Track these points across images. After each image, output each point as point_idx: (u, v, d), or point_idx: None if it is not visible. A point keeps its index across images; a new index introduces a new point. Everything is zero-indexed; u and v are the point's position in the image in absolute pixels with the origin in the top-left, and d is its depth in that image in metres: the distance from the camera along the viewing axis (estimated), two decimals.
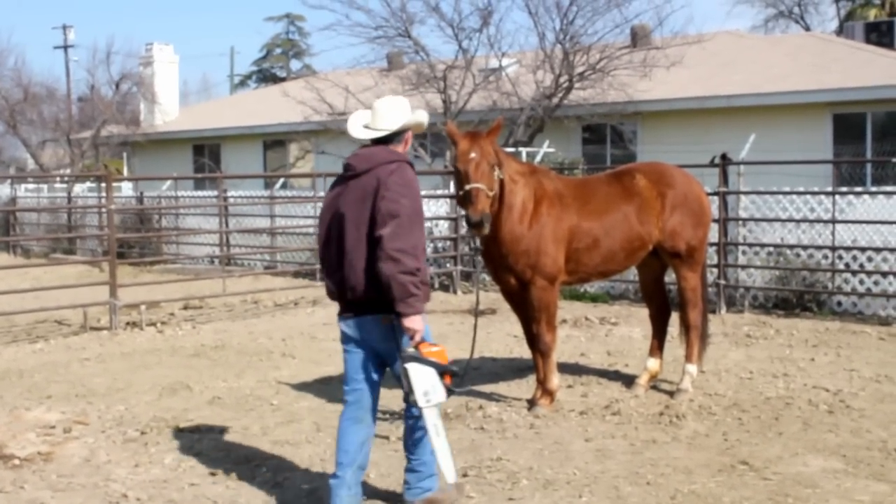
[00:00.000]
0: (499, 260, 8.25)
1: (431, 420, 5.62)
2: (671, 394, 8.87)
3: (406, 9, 21.51)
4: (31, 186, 32.26)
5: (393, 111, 5.88)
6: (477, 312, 7.59)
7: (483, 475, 6.65)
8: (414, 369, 5.52)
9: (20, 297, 15.10)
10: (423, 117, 6.04)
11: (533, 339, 8.49)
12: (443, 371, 5.58)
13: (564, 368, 9.91)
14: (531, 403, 8.44)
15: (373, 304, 5.62)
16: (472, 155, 7.51)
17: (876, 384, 9.36)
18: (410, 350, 5.55)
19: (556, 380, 8.44)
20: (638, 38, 23.08)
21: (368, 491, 6.32)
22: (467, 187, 7.50)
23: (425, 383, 5.52)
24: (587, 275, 8.80)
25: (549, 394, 8.40)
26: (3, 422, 8.32)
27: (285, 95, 23.96)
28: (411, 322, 5.47)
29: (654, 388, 9.16)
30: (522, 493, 6.29)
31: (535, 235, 8.12)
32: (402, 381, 5.60)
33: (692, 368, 9.07)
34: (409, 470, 5.95)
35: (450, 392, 5.67)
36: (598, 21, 21.56)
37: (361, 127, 5.95)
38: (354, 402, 5.88)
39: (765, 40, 28.36)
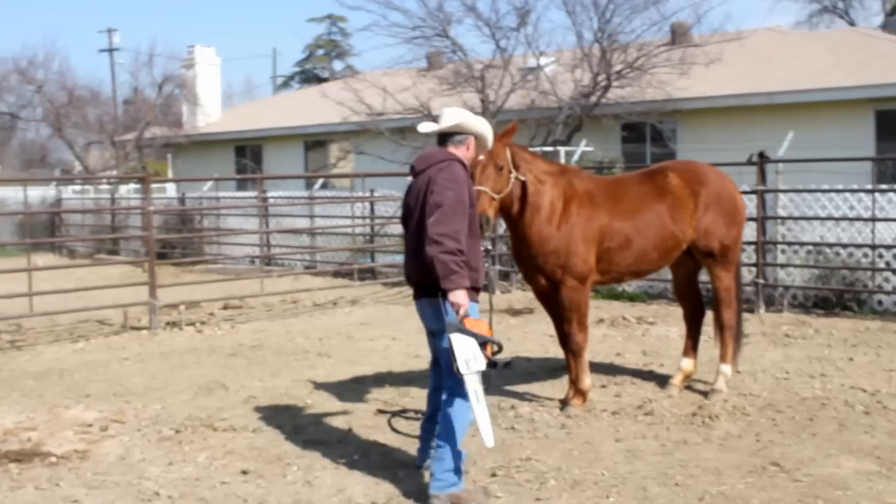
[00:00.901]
0: (528, 260, 8.25)
1: (472, 386, 6.00)
2: (705, 394, 8.83)
3: (443, 8, 21.51)
4: (76, 188, 32.67)
5: (452, 114, 6.60)
6: (491, 315, 7.54)
7: (511, 475, 6.66)
8: (457, 339, 5.96)
9: (64, 297, 15.31)
10: (482, 125, 6.64)
11: (565, 339, 8.49)
12: (484, 342, 6.02)
13: (599, 368, 9.90)
14: (563, 403, 8.44)
15: (423, 288, 6.32)
16: (479, 158, 7.51)
17: None
18: (454, 323, 6.00)
19: (587, 379, 8.43)
20: (677, 35, 22.91)
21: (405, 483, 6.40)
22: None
23: (467, 352, 5.94)
24: (620, 274, 8.77)
25: (581, 394, 8.39)
26: (42, 420, 8.45)
27: (324, 96, 24.06)
28: (455, 297, 5.97)
29: (689, 388, 9.11)
30: (550, 494, 6.29)
31: (564, 235, 8.10)
32: (448, 354, 6.05)
33: (726, 369, 9.01)
34: (435, 459, 6.22)
35: (491, 363, 6.10)
36: (636, 19, 21.40)
37: (428, 126, 6.75)
38: (433, 377, 6.74)
39: (806, 36, 28.04)
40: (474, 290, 6.26)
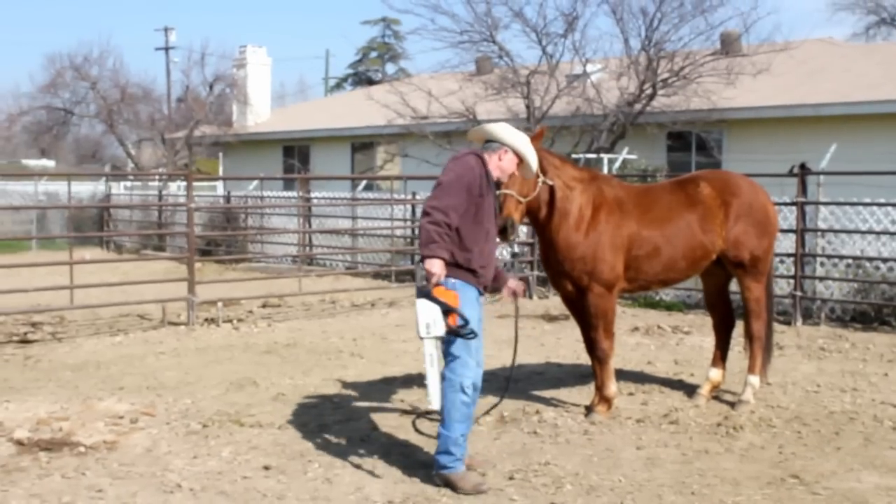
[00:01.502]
0: (556, 266, 8.28)
1: (429, 350, 6.32)
2: (732, 405, 8.79)
3: (491, 13, 21.55)
4: (128, 184, 33.15)
5: (491, 126, 6.96)
6: (517, 322, 7.59)
7: (528, 479, 6.69)
8: (422, 304, 6.24)
9: (108, 291, 15.54)
10: (528, 151, 6.94)
11: (591, 345, 8.50)
12: (448, 311, 6.25)
13: (629, 376, 9.92)
14: (588, 410, 8.45)
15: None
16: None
17: None
18: (424, 288, 6.27)
19: (613, 386, 8.44)
20: (727, 45, 22.78)
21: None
22: (497, 193, 7.57)
23: (429, 317, 6.22)
24: (647, 283, 8.76)
25: (606, 400, 8.40)
26: (75, 411, 8.61)
27: (370, 99, 24.21)
28: (429, 264, 6.25)
29: (717, 398, 9.07)
30: (565, 498, 6.32)
31: (591, 242, 8.11)
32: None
33: (754, 380, 8.97)
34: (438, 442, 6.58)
35: (451, 332, 6.31)
36: (684, 27, 21.31)
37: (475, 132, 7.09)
38: None
39: (858, 48, 27.74)
40: (468, 271, 6.51)
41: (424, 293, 6.26)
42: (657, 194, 8.80)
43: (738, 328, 9.46)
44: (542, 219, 8.10)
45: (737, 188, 8.86)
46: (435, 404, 6.39)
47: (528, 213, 7.91)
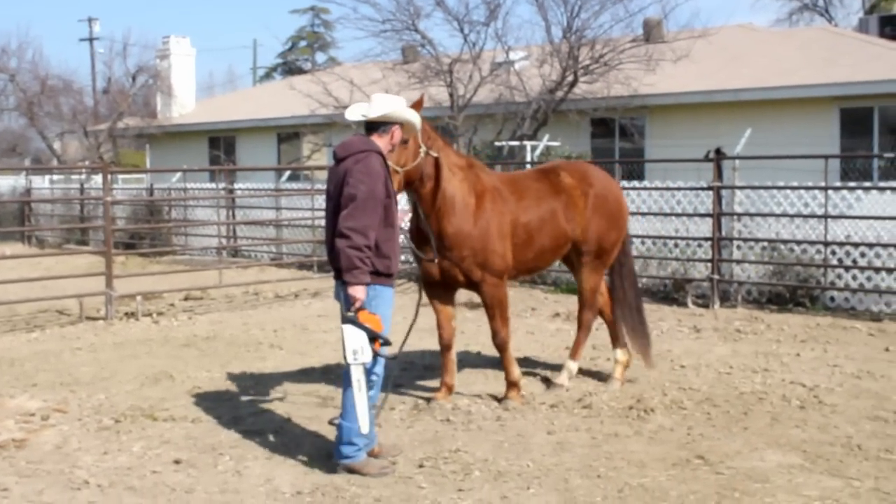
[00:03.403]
0: (442, 254, 8.14)
1: (356, 376, 6.35)
2: (640, 390, 8.94)
3: (413, 2, 21.54)
4: (53, 178, 32.61)
5: (381, 102, 6.78)
6: (419, 307, 7.63)
7: (438, 466, 6.73)
8: (348, 330, 6.29)
9: (28, 287, 15.30)
10: (411, 115, 6.88)
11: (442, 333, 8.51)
12: (373, 337, 6.33)
13: (546, 362, 10.03)
14: (501, 399, 8.48)
15: (339, 272, 6.50)
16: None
17: (855, 380, 9.38)
18: (349, 314, 6.30)
19: (516, 370, 8.48)
20: (648, 31, 22.99)
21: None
22: None
23: (356, 343, 6.27)
24: (519, 271, 8.81)
25: (514, 386, 8.45)
26: None
27: (292, 88, 24.07)
28: (353, 290, 6.30)
29: (629, 382, 9.20)
30: (472, 485, 6.36)
31: (481, 233, 8.09)
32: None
33: (573, 365, 9.23)
34: (338, 433, 6.65)
35: (376, 356, 6.45)
36: (604, 14, 21.51)
37: (356, 113, 6.87)
38: None
39: (776, 34, 28.20)
40: (387, 276, 6.57)
41: (350, 319, 6.29)
42: (525, 182, 8.85)
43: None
44: (425, 196, 7.85)
45: (594, 179, 9.07)
46: (364, 428, 6.41)
47: (408, 185, 7.65)
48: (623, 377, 9.19)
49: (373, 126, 6.78)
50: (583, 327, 9.23)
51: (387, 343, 6.48)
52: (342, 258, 6.26)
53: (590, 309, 9.20)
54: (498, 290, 8.25)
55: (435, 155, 7.78)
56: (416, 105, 7.36)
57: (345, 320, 6.33)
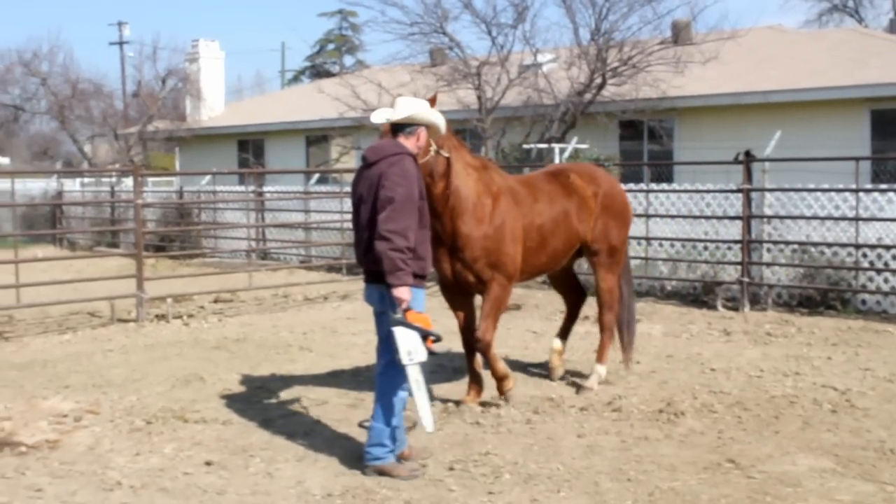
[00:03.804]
0: (453, 255, 8.18)
1: (414, 376, 6.40)
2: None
3: (440, 4, 21.56)
4: (84, 181, 32.86)
5: (406, 105, 6.86)
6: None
7: (468, 469, 6.74)
8: (400, 332, 6.36)
9: (59, 289, 15.41)
10: (436, 117, 6.97)
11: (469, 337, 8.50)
12: (425, 335, 6.41)
13: (576, 364, 10.01)
14: (501, 398, 8.48)
15: (373, 275, 6.58)
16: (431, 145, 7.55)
17: (888, 384, 9.31)
18: (398, 316, 6.37)
19: (501, 364, 8.44)
20: (677, 33, 22.92)
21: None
22: None
23: (409, 344, 6.35)
24: (531, 273, 8.91)
25: (503, 378, 8.41)
26: (19, 410, 8.57)
27: (320, 92, 24.14)
28: (399, 292, 6.33)
29: (661, 384, 9.19)
30: (503, 487, 6.38)
31: (495, 235, 8.14)
32: (388, 338, 6.50)
33: (601, 369, 9.31)
34: (369, 434, 6.69)
35: (431, 354, 6.51)
36: (632, 16, 21.47)
37: (381, 116, 6.91)
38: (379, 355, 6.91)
39: (805, 35, 28.02)
40: (421, 277, 6.63)
41: (399, 321, 6.36)
42: (538, 184, 8.88)
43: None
44: (437, 196, 7.77)
45: (602, 180, 9.23)
46: (429, 427, 6.54)
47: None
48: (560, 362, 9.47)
49: (398, 128, 6.83)
50: (605, 329, 9.31)
51: (438, 339, 6.56)
52: (384, 261, 6.29)
53: (609, 310, 9.27)
54: (504, 291, 8.25)
55: (446, 155, 7.72)
56: (431, 102, 7.35)
57: (394, 323, 6.38)
